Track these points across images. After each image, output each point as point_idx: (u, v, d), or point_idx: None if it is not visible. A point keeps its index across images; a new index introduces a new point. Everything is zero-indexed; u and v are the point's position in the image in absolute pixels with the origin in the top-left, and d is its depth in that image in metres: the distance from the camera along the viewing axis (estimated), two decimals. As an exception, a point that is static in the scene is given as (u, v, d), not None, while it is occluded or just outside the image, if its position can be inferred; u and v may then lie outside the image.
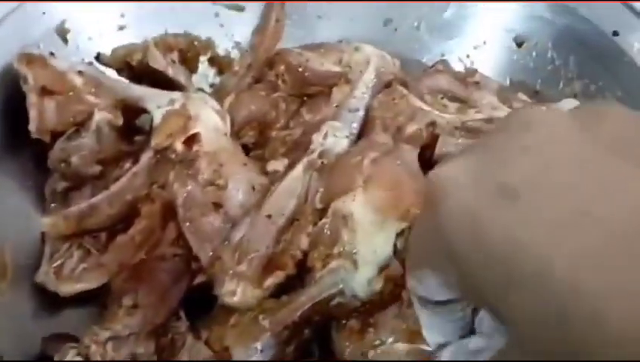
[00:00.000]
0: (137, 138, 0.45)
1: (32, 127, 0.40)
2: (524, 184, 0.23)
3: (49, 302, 0.41)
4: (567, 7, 0.46)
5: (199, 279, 0.41)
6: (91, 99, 0.42)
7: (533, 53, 0.47)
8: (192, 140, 0.42)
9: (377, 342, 0.38)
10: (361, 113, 0.45)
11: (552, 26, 0.46)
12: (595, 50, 0.45)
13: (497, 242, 0.23)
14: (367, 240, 0.38)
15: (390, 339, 0.38)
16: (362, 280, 0.37)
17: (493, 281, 0.23)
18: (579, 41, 0.45)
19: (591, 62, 0.45)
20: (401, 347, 0.37)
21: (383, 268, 0.38)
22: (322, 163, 0.41)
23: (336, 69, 0.46)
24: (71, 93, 0.41)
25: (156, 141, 0.42)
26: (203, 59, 0.49)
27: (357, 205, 0.39)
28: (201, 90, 0.49)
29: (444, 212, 0.25)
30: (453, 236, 0.24)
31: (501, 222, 0.23)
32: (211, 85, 0.50)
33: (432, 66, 0.48)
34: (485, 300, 0.24)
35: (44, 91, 0.41)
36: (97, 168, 0.42)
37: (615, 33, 0.44)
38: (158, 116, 0.43)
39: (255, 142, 0.46)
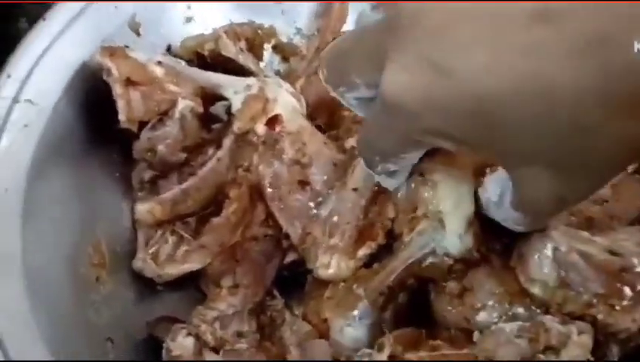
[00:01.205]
0: (215, 126, 0.46)
1: (121, 116, 0.41)
2: None
3: (147, 288, 0.42)
4: None
5: (291, 256, 0.42)
6: (173, 88, 0.43)
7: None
8: (273, 122, 0.43)
9: (479, 306, 0.38)
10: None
11: None
12: None
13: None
14: (448, 195, 0.38)
15: (490, 302, 0.38)
16: (453, 237, 0.37)
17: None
18: None
19: None
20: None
21: (470, 223, 0.38)
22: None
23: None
24: (153, 84, 0.42)
25: (239, 125, 0.43)
26: (267, 47, 0.50)
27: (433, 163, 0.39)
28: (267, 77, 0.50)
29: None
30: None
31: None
32: (276, 72, 0.51)
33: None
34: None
35: (129, 82, 0.42)
36: (182, 155, 0.43)
37: None
38: (237, 101, 0.44)
39: (327, 122, 0.47)
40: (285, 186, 0.42)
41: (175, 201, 0.41)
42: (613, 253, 0.36)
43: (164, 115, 0.43)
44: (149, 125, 0.43)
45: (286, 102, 0.44)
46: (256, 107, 0.43)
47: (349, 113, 0.47)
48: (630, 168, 0.41)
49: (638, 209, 0.40)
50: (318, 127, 0.46)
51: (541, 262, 0.36)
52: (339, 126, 0.47)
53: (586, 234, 0.37)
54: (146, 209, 0.41)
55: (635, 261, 0.36)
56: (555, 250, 0.36)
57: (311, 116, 0.46)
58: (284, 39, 0.51)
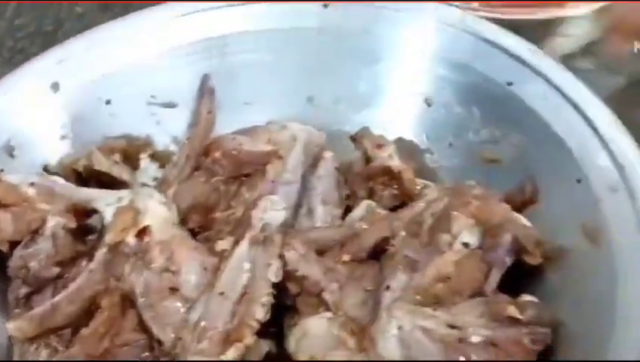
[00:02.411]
0: (90, 237, 0.48)
1: (-10, 238, 0.43)
2: None
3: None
4: (465, 65, 0.51)
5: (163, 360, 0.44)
6: (44, 206, 0.45)
7: (442, 110, 0.52)
8: (143, 233, 0.45)
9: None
10: (296, 185, 0.49)
11: (455, 84, 0.52)
12: (494, 100, 0.50)
13: None
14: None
15: None
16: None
17: None
18: (479, 94, 0.51)
19: (493, 111, 0.50)
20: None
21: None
22: (265, 236, 0.45)
23: (268, 148, 0.50)
24: (25, 204, 0.45)
25: (110, 237, 0.45)
26: (144, 156, 0.53)
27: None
28: (145, 184, 0.52)
29: None
30: None
31: None
32: (154, 179, 0.53)
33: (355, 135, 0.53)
34: None
35: (0, 205, 0.44)
36: (56, 270, 0.45)
37: (509, 83, 0.49)
38: (108, 214, 0.46)
39: (201, 225, 0.49)
40: (156, 294, 0.44)
41: (44, 317, 0.43)
42: (452, 326, 0.40)
43: (35, 233, 0.45)
44: (22, 243, 0.45)
45: (156, 212, 0.46)
46: (127, 219, 0.45)
47: (220, 215, 0.50)
48: (474, 242, 0.45)
49: (479, 282, 0.43)
50: (192, 231, 0.49)
51: (388, 342, 0.40)
52: (211, 228, 0.49)
53: (429, 310, 0.41)
54: (15, 326, 0.42)
55: (472, 332, 0.39)
56: (400, 328, 0.40)
57: (184, 220, 0.49)
58: (161, 148, 0.54)
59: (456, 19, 0.51)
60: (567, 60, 0.65)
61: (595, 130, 0.44)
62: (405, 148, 0.53)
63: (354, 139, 0.53)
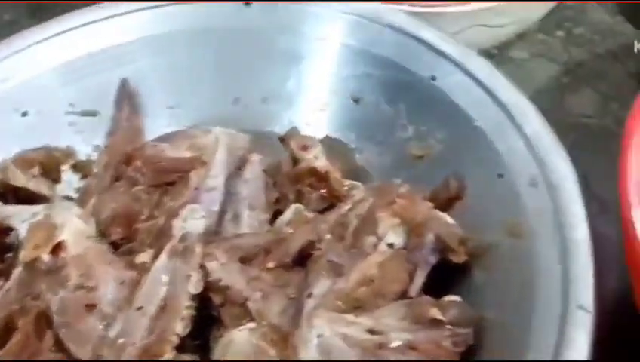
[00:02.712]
0: (7, 256, 0.46)
1: None
2: None
3: None
4: (390, 60, 0.50)
5: (85, 379, 0.43)
6: (-45, 228, 0.43)
7: (370, 107, 0.51)
8: (58, 248, 0.44)
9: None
10: (220, 191, 0.48)
11: (381, 80, 0.51)
12: (419, 95, 0.49)
13: None
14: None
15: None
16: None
17: None
18: (404, 89, 0.50)
19: (418, 106, 0.49)
20: None
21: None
22: (184, 247, 0.44)
23: (190, 154, 0.49)
24: None
25: (24, 254, 0.43)
26: (65, 168, 0.51)
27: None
28: (68, 197, 0.51)
29: None
30: None
31: None
32: (77, 190, 0.52)
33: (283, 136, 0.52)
34: None
35: None
36: (-28, 292, 0.43)
37: (433, 78, 0.48)
38: (23, 231, 0.44)
39: (124, 237, 0.48)
40: (72, 312, 0.43)
41: (-43, 341, 0.41)
42: (373, 331, 0.39)
43: (-54, 255, 0.43)
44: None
45: (72, 226, 0.45)
46: (40, 235, 0.44)
47: (143, 225, 0.48)
48: (399, 243, 0.44)
49: (404, 283, 0.42)
50: (114, 243, 0.47)
51: (309, 350, 0.39)
52: (135, 239, 0.48)
53: (350, 316, 0.40)
54: None
55: (393, 336, 0.39)
56: (320, 336, 0.39)
57: (105, 233, 0.47)
58: (83, 158, 0.52)
59: (379, 14, 0.50)
60: (503, 50, 0.65)
61: (515, 123, 0.44)
62: (334, 147, 0.52)
63: (282, 140, 0.52)
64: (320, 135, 0.52)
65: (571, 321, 0.35)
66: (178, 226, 0.45)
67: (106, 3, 0.54)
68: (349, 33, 0.51)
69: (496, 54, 0.64)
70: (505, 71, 0.63)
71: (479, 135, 0.45)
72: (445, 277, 0.43)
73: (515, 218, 0.41)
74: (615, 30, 0.67)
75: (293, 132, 0.52)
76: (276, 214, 0.49)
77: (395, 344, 0.38)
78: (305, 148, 0.50)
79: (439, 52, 0.48)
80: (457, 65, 0.47)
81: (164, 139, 0.50)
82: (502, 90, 0.45)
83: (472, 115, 0.46)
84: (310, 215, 0.47)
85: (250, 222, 0.48)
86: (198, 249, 0.43)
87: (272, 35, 0.52)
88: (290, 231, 0.46)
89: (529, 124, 0.43)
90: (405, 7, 0.50)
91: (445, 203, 0.46)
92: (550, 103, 0.61)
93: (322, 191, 0.49)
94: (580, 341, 0.34)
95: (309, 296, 0.42)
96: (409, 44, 0.49)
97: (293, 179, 0.50)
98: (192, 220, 0.45)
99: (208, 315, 0.44)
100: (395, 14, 0.50)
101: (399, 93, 0.50)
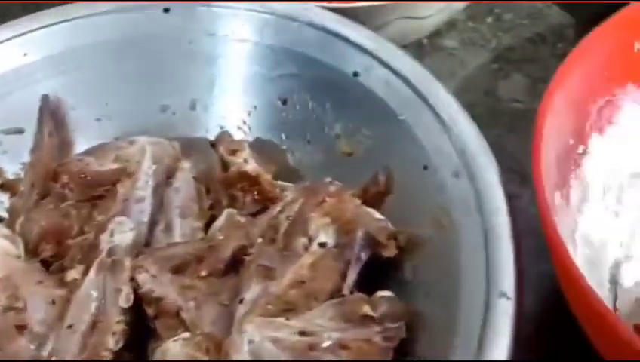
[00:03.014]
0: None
1: None
2: None
3: None
4: (313, 58, 0.50)
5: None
6: None
7: (297, 107, 0.51)
8: (-17, 271, 0.43)
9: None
10: (149, 201, 0.48)
11: (306, 79, 0.50)
12: (344, 92, 0.49)
13: None
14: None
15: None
16: None
17: None
18: (329, 87, 0.49)
19: (344, 103, 0.49)
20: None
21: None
22: (113, 261, 0.43)
23: (116, 165, 0.48)
24: None
25: (-52, 282, 0.42)
26: (-5, 187, 0.50)
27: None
28: (-1, 218, 0.50)
29: None
30: None
31: None
32: (7, 210, 0.51)
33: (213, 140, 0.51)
34: None
35: None
36: None
37: (355, 74, 0.48)
38: (-53, 256, 0.44)
39: (55, 254, 0.47)
40: (2, 334, 0.42)
41: None
42: (304, 333, 0.39)
43: None
44: None
45: (-2, 247, 0.44)
46: (-35, 259, 0.43)
47: (73, 241, 0.47)
48: (331, 242, 0.44)
49: (336, 282, 0.42)
50: (45, 261, 0.47)
51: (240, 356, 0.38)
52: (66, 256, 0.47)
53: (281, 319, 0.40)
54: None
55: (325, 336, 0.39)
56: (251, 342, 0.39)
57: (35, 252, 0.47)
58: (10, 176, 0.51)
59: (299, 12, 0.50)
60: (434, 40, 0.65)
61: (438, 115, 0.44)
62: (265, 149, 0.52)
63: (213, 145, 0.52)
64: (251, 138, 0.52)
65: (494, 308, 0.35)
66: (106, 240, 0.44)
67: (25, 17, 0.53)
68: (271, 33, 0.51)
69: (427, 44, 0.64)
70: (436, 60, 0.64)
71: (404, 129, 0.45)
72: (377, 273, 0.43)
73: (440, 209, 0.41)
74: (544, 13, 0.67)
75: (222, 136, 0.51)
76: (212, 220, 0.49)
77: (326, 344, 0.38)
78: (234, 152, 0.50)
79: (360, 47, 0.48)
80: (378, 59, 0.47)
81: (90, 152, 0.49)
82: (424, 82, 0.45)
83: (395, 110, 0.46)
84: (243, 219, 0.47)
85: (182, 230, 0.48)
86: (127, 262, 0.43)
87: (193, 40, 0.52)
88: (221, 237, 0.45)
89: (451, 116, 0.44)
90: (324, 3, 0.50)
91: (375, 198, 0.46)
92: (482, 90, 0.61)
93: (254, 194, 0.49)
94: (503, 328, 0.35)
95: (241, 301, 0.41)
96: (330, 41, 0.49)
97: (225, 184, 0.50)
98: (120, 233, 0.44)
99: (146, 327, 0.43)
100: (315, 12, 0.50)
101: (324, 91, 0.50)
